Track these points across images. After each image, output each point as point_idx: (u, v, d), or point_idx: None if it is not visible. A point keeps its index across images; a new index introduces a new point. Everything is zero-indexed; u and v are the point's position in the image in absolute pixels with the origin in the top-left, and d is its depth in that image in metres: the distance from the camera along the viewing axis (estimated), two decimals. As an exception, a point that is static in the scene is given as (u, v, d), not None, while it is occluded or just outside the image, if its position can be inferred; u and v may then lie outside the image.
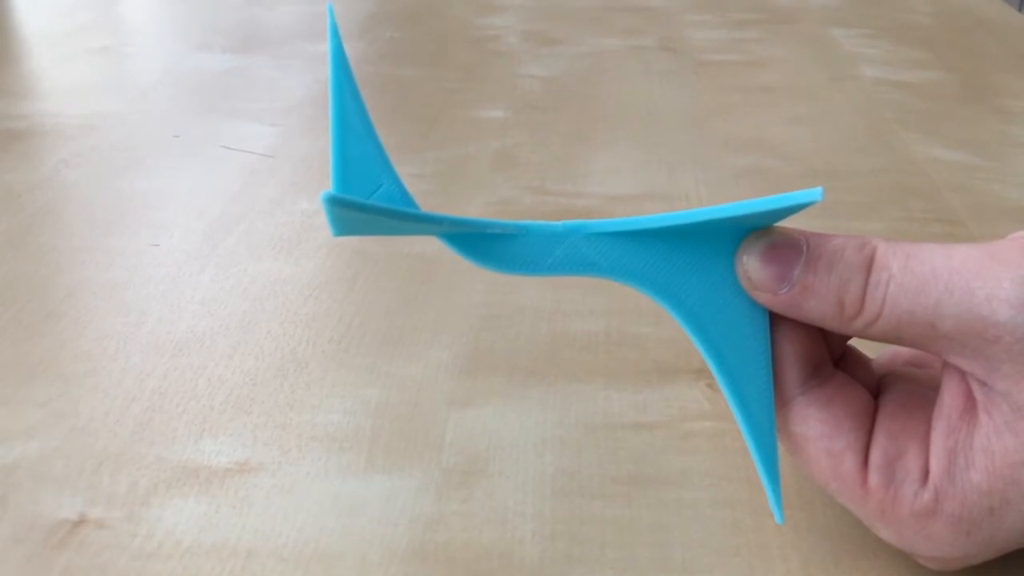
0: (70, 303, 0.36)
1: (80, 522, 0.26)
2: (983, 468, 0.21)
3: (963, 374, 0.22)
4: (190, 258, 0.39)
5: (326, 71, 0.61)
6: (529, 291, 0.37)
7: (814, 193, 0.21)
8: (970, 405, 0.22)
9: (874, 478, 0.22)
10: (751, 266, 0.23)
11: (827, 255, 0.22)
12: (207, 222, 0.42)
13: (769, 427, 0.23)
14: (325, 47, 0.66)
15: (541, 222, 0.23)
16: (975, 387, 0.22)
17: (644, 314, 0.35)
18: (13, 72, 0.61)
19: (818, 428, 0.23)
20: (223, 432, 0.29)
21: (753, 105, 0.56)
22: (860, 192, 0.45)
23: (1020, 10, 0.76)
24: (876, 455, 0.22)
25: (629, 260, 0.23)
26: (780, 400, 0.24)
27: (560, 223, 0.23)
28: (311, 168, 0.47)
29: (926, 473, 0.22)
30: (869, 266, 0.22)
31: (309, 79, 0.60)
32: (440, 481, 0.27)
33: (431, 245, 0.40)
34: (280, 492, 0.27)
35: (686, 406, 0.31)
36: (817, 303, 0.22)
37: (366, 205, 0.21)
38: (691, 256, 0.24)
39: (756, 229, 0.23)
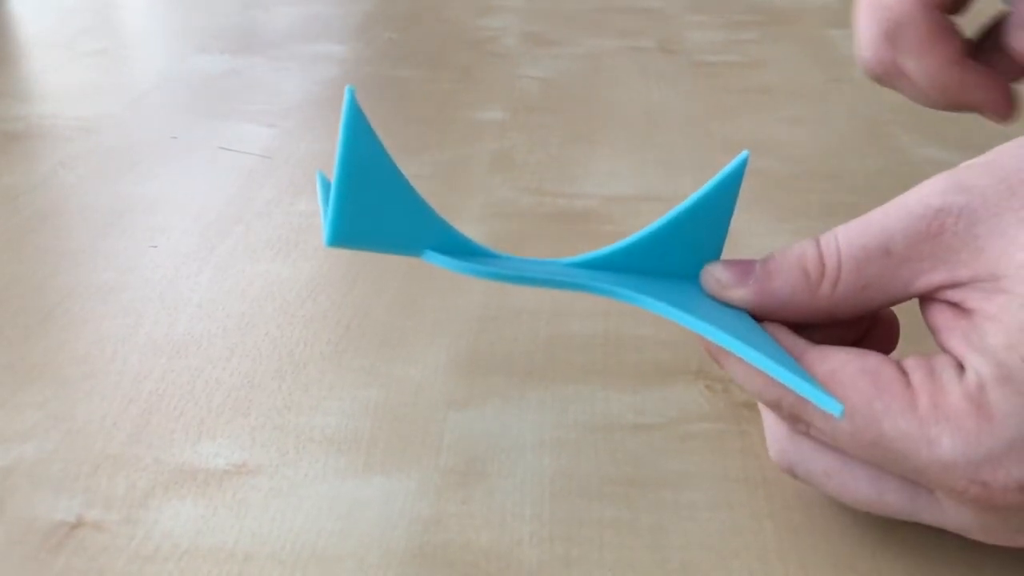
0: (67, 305, 0.35)
1: (77, 524, 0.26)
2: (996, 332, 0.21)
3: (937, 296, 0.23)
4: (188, 260, 0.39)
5: (323, 72, 0.61)
6: (527, 293, 0.37)
7: (741, 157, 0.26)
8: (958, 308, 0.23)
9: (916, 376, 0.22)
10: (716, 270, 0.25)
11: (777, 254, 0.25)
12: (205, 224, 0.42)
13: (788, 360, 0.23)
14: (321, 47, 0.66)
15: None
16: (951, 294, 0.23)
17: (642, 315, 0.35)
18: (11, 74, 0.61)
19: (843, 355, 0.23)
20: (221, 434, 0.29)
21: (751, 106, 0.56)
22: (858, 193, 0.45)
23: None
24: (910, 361, 0.22)
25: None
26: (793, 356, 0.24)
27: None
28: (309, 169, 0.47)
29: (960, 366, 0.22)
30: (816, 239, 0.24)
31: (306, 80, 0.60)
32: (438, 483, 0.27)
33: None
34: (278, 494, 0.27)
35: (685, 407, 0.31)
36: (784, 279, 0.24)
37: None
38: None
39: (709, 251, 0.27)
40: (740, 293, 0.25)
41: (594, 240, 0.41)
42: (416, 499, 0.27)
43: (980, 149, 0.54)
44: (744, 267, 0.25)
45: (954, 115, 0.55)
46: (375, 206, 0.22)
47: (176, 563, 0.25)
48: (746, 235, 0.41)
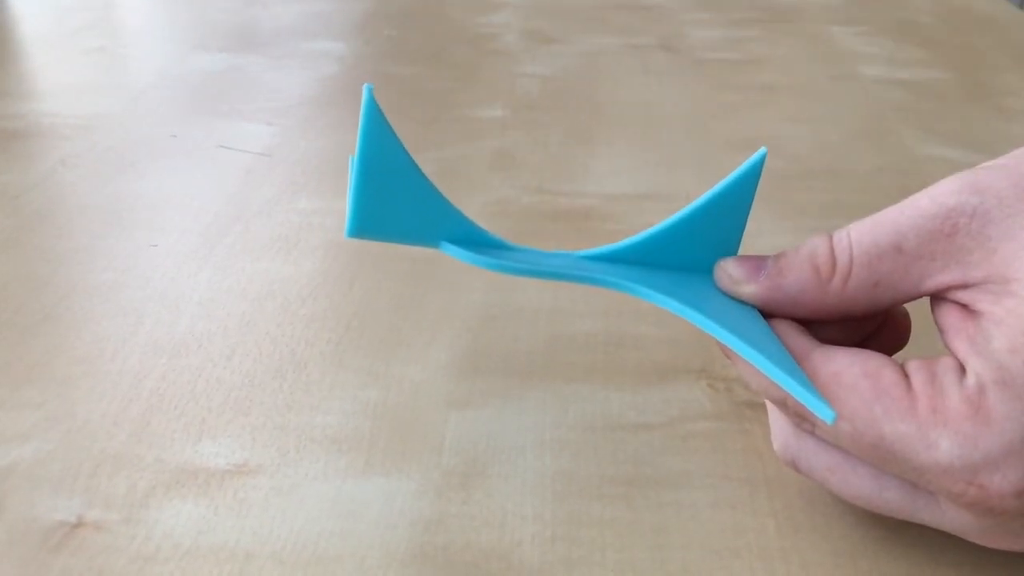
0: (67, 304, 0.35)
1: (78, 525, 0.26)
2: (1001, 335, 0.21)
3: (947, 296, 0.23)
4: (188, 259, 0.39)
5: (323, 70, 0.61)
6: (528, 291, 0.36)
7: (759, 154, 0.26)
8: (966, 310, 0.23)
9: (917, 379, 0.22)
10: (729, 266, 0.26)
11: (790, 250, 0.25)
12: (205, 223, 0.41)
13: (790, 363, 0.23)
14: (321, 45, 0.65)
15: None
16: (960, 295, 0.23)
17: (644, 314, 0.35)
18: (10, 72, 0.60)
19: (847, 357, 0.23)
20: (222, 434, 0.29)
21: (753, 104, 0.56)
22: (860, 191, 0.45)
23: (1020, 7, 0.76)
24: (912, 364, 0.23)
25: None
26: (799, 357, 0.23)
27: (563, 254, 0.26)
28: (309, 167, 0.47)
29: (962, 369, 0.22)
30: (829, 235, 0.24)
31: (306, 78, 0.59)
32: (439, 483, 0.27)
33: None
34: (279, 494, 0.27)
35: (686, 407, 0.30)
36: (795, 276, 0.24)
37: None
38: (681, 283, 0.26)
39: (725, 247, 0.27)
40: (751, 289, 0.25)
41: (595, 239, 0.40)
42: (417, 499, 0.27)
43: (982, 147, 0.54)
44: (756, 263, 0.25)
45: (956, 113, 0.55)
46: (393, 198, 0.23)
47: (177, 563, 0.25)
48: (747, 233, 0.41)
